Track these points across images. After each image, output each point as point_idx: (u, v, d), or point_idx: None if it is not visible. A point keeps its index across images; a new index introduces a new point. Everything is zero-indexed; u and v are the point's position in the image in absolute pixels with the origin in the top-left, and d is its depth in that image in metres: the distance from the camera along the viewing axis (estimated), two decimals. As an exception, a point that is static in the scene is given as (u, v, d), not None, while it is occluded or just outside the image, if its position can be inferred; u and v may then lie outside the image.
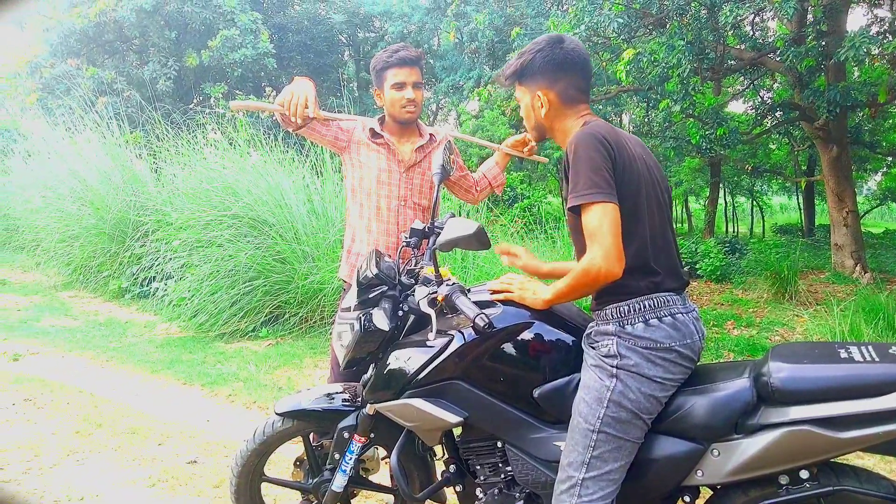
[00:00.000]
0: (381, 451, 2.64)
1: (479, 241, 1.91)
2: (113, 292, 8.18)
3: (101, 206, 8.49)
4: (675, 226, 1.84)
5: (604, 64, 8.53)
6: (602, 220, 1.68)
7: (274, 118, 2.75)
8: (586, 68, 1.96)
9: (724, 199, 15.31)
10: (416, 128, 2.83)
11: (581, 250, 1.79)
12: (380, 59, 2.73)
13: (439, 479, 2.25)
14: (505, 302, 2.00)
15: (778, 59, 7.90)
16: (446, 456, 2.19)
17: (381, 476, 2.67)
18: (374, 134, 2.75)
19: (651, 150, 2.00)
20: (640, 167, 1.81)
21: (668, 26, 7.14)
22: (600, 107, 10.98)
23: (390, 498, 2.63)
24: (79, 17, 13.44)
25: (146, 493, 3.15)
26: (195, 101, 14.78)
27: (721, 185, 13.61)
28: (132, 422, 4.02)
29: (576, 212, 1.74)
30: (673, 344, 1.75)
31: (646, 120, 11.30)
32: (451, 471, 2.16)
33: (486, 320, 1.80)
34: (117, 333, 6.44)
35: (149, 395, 4.61)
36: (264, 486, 2.52)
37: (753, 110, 12.81)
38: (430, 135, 2.84)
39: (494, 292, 2.04)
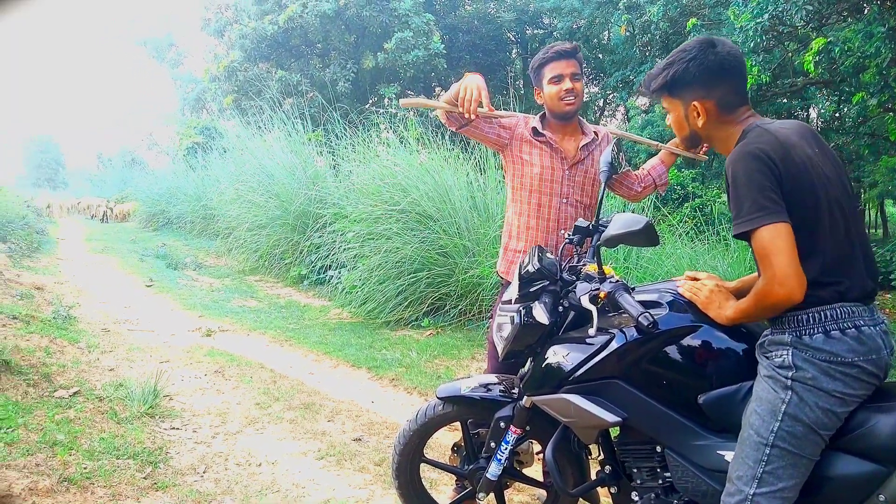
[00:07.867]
0: (537, 447, 2.66)
1: (648, 237, 1.86)
2: (293, 278, 8.88)
3: (286, 198, 9.23)
4: (867, 231, 1.60)
5: (789, 54, 7.87)
6: (773, 242, 1.59)
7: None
8: (743, 71, 1.84)
9: (926, 203, 13.56)
10: (577, 125, 2.79)
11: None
12: (537, 59, 2.75)
13: (594, 478, 2.22)
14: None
15: None
16: (602, 456, 2.16)
17: (535, 471, 2.69)
18: (536, 132, 2.74)
19: (841, 148, 1.82)
20: (814, 174, 1.66)
21: (865, 11, 6.46)
22: (785, 100, 10.18)
23: (542, 493, 2.64)
24: (270, 23, 14.66)
25: (315, 464, 3.39)
26: (371, 101, 15.59)
27: (922, 188, 12.07)
28: (306, 398, 4.33)
29: (745, 238, 1.65)
30: (856, 359, 1.61)
31: (836, 115, 10.32)
32: (607, 471, 2.13)
33: (651, 320, 1.75)
34: (296, 316, 6.98)
35: (321, 375, 4.95)
36: (423, 467, 2.61)
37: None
38: (594, 132, 2.78)
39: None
